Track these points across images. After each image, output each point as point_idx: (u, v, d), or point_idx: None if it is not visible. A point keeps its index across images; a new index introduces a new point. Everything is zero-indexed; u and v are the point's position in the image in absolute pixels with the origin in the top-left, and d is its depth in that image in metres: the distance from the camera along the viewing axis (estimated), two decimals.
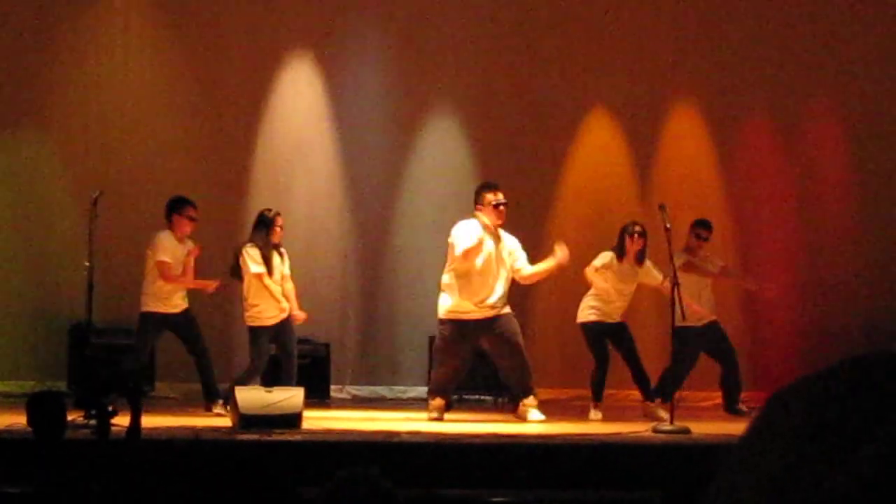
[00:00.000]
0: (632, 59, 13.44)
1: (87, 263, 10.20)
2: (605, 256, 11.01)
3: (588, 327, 11.00)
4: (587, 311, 11.01)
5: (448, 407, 10.57)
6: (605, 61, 13.45)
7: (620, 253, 10.99)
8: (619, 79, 13.44)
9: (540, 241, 13.21)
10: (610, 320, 10.96)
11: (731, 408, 11.39)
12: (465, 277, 10.40)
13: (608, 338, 10.98)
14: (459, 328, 10.40)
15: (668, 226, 10.07)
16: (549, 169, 13.40)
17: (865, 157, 13.56)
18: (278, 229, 10.68)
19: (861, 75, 13.56)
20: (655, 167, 13.53)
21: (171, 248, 10.74)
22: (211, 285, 10.86)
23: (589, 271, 10.98)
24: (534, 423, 10.22)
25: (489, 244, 10.46)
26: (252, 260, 10.54)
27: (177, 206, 10.86)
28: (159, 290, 10.73)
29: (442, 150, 13.33)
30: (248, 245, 10.62)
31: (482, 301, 10.41)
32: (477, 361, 11.01)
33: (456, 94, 13.40)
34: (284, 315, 10.60)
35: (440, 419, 10.32)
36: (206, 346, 10.90)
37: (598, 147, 13.52)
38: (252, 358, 10.56)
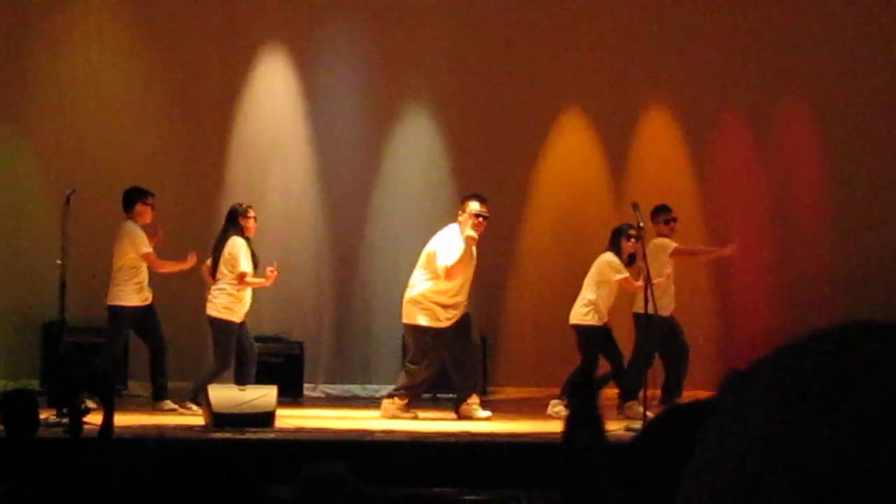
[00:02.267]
0: (605, 59, 13.46)
1: (60, 262, 10.16)
2: (615, 259, 10.87)
3: (587, 330, 10.83)
4: (586, 314, 10.85)
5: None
6: (579, 61, 13.47)
7: (617, 253, 10.91)
8: (592, 79, 13.46)
9: (513, 240, 13.23)
10: (604, 322, 10.91)
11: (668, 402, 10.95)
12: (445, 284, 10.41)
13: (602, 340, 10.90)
14: (437, 335, 10.42)
15: (641, 224, 10.10)
16: (523, 168, 13.41)
17: (839, 156, 13.61)
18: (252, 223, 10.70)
19: (834, 75, 13.60)
20: (628, 167, 13.56)
21: (146, 239, 10.71)
22: (189, 262, 10.82)
23: (623, 281, 10.74)
24: (482, 419, 10.23)
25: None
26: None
27: (140, 196, 10.81)
28: (139, 283, 10.69)
29: (417, 147, 13.33)
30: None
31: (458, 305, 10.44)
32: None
33: (431, 92, 13.40)
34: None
35: (415, 418, 10.34)
36: (165, 340, 10.87)
37: (571, 146, 13.53)
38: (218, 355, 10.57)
